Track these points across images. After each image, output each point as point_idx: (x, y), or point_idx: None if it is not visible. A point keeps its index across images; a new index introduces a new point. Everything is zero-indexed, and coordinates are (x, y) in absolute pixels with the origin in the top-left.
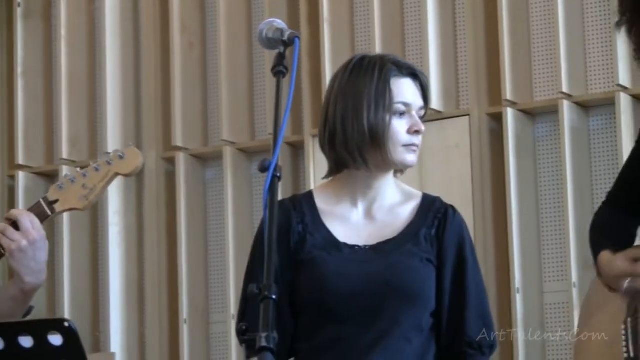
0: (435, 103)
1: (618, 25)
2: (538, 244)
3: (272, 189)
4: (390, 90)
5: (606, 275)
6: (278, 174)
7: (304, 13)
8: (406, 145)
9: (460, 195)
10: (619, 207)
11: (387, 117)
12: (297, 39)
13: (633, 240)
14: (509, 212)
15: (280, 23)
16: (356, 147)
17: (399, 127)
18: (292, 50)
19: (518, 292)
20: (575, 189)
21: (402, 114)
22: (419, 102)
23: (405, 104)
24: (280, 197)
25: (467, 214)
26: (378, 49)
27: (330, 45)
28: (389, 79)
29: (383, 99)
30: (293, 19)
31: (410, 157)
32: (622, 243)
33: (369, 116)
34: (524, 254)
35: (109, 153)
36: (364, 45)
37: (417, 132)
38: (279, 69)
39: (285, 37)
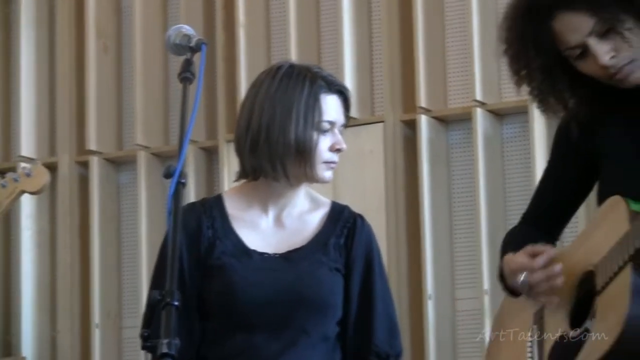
0: (351, 110)
1: (517, 84)
2: (450, 251)
3: (176, 196)
4: (319, 107)
5: (507, 275)
6: (183, 180)
7: (220, 18)
8: (326, 163)
9: (374, 201)
10: (533, 225)
11: (315, 135)
12: (203, 46)
13: None
14: (422, 219)
15: (188, 29)
16: (279, 158)
17: (323, 144)
18: (203, 56)
19: (430, 298)
20: (488, 196)
21: (326, 131)
22: (342, 119)
23: (331, 122)
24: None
25: (380, 220)
26: (294, 55)
27: (246, 51)
28: (319, 95)
29: (312, 115)
30: (209, 24)
31: (328, 174)
32: None
33: (297, 130)
34: (436, 260)
35: (16, 170)
36: (280, 51)
37: (338, 150)
38: (186, 75)
39: (193, 44)
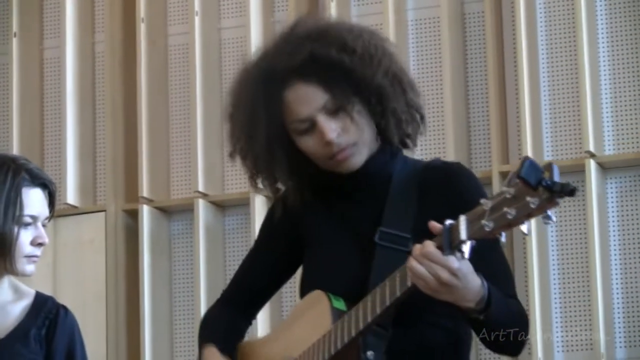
0: (72, 198)
1: (231, 155)
2: (170, 342)
3: None
4: (20, 202)
5: None
6: None
7: None
8: (28, 257)
9: (94, 291)
10: (231, 306)
11: (15, 229)
12: None
13: (241, 337)
14: (142, 310)
15: None
16: None
17: (24, 238)
18: None
19: None
20: (208, 287)
21: (28, 224)
22: (46, 212)
23: (33, 217)
24: None
25: (99, 310)
26: (15, 142)
27: None
28: (21, 189)
29: (13, 209)
30: None
31: (30, 268)
32: (229, 338)
33: None
34: (155, 352)
35: None
36: (2, 138)
37: (40, 244)
38: None
39: None
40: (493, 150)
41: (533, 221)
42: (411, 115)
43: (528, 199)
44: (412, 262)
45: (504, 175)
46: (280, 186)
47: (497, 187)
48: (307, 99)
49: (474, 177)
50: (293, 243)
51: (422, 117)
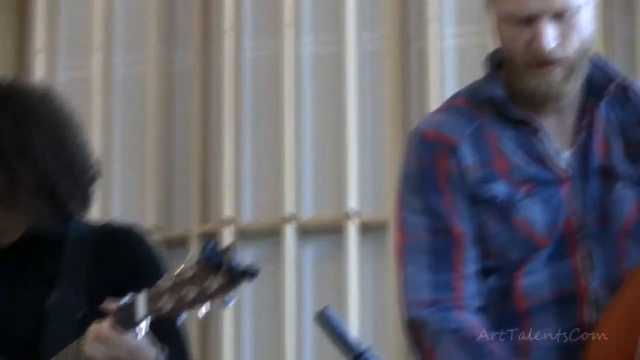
0: None
1: None
2: None
3: None
4: None
5: None
6: None
7: None
8: None
9: None
10: None
11: None
12: None
13: None
14: None
15: None
16: None
17: None
18: None
19: None
20: None
21: None
22: None
23: None
24: None
25: None
26: None
27: None
28: None
29: None
30: None
31: None
32: None
33: None
34: None
35: None
36: None
37: None
38: None
39: None
40: (192, 209)
41: None
42: (70, 192)
43: (208, 281)
44: (89, 345)
45: (204, 235)
46: None
47: (195, 246)
48: None
49: (146, 240)
50: None
51: (87, 185)
